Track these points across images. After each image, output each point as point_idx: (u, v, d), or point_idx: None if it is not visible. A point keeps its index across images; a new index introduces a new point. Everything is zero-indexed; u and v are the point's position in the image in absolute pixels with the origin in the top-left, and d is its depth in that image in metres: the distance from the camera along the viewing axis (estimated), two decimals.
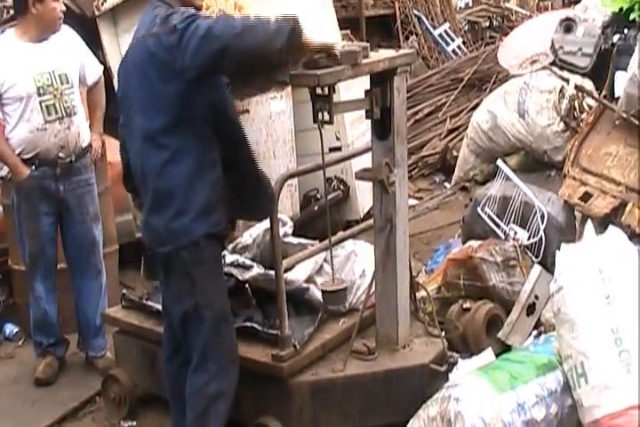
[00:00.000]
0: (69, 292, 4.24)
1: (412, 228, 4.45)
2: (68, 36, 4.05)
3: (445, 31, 11.35)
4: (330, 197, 5.66)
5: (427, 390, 3.24)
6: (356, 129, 5.91)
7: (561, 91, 5.19)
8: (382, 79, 3.15)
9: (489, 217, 4.43)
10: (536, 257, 4.17)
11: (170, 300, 3.18)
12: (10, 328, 4.71)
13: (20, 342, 4.65)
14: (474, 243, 4.28)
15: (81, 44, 4.15)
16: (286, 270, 3.36)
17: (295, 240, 3.86)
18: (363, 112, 3.24)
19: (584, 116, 4.86)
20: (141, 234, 3.16)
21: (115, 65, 5.07)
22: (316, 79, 2.80)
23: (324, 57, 2.81)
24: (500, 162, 4.78)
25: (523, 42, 6.10)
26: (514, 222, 4.33)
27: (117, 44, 5.42)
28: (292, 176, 3.87)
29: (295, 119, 5.48)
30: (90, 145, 4.16)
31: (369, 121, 3.29)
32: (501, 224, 4.37)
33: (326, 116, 2.93)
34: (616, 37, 5.25)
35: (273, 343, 3.30)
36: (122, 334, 3.87)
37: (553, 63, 5.47)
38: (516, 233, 4.28)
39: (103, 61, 4.66)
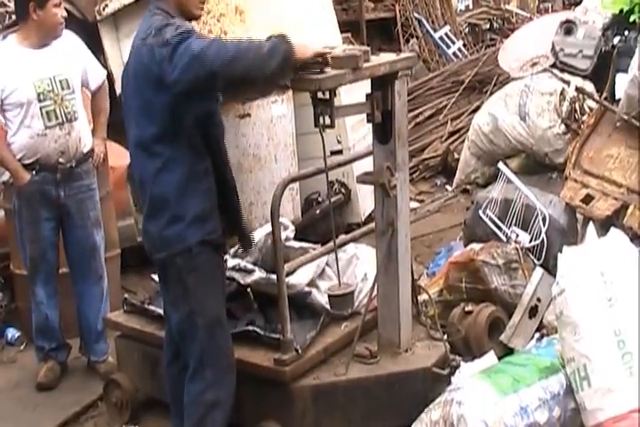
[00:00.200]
0: (71, 296, 4.24)
1: (414, 231, 4.44)
2: (70, 42, 4.05)
3: (446, 34, 11.36)
4: (331, 200, 5.65)
5: (429, 393, 3.24)
6: (357, 132, 5.90)
7: (562, 93, 5.20)
8: (383, 83, 3.15)
9: (490, 220, 4.42)
10: (538, 260, 4.17)
11: (168, 306, 3.19)
12: (12, 333, 4.71)
13: (22, 347, 4.64)
14: (475, 246, 4.28)
15: (83, 49, 4.14)
16: (288, 274, 3.35)
17: (297, 244, 3.85)
18: (364, 116, 3.24)
19: (585, 118, 4.87)
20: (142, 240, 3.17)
21: (116, 70, 5.08)
22: (317, 83, 2.80)
23: (317, 62, 2.81)
24: (501, 164, 4.77)
25: (523, 44, 6.11)
26: (515, 225, 4.32)
27: (119, 49, 5.41)
28: (293, 180, 3.87)
29: (296, 123, 5.48)
30: (92, 150, 4.15)
31: (370, 124, 3.28)
32: (503, 227, 4.36)
33: (327, 120, 2.93)
34: (616, 39, 5.26)
35: (275, 347, 3.30)
36: (123, 339, 3.87)
37: (553, 65, 5.49)
38: (517, 236, 4.27)
39: (105, 66, 4.66)
